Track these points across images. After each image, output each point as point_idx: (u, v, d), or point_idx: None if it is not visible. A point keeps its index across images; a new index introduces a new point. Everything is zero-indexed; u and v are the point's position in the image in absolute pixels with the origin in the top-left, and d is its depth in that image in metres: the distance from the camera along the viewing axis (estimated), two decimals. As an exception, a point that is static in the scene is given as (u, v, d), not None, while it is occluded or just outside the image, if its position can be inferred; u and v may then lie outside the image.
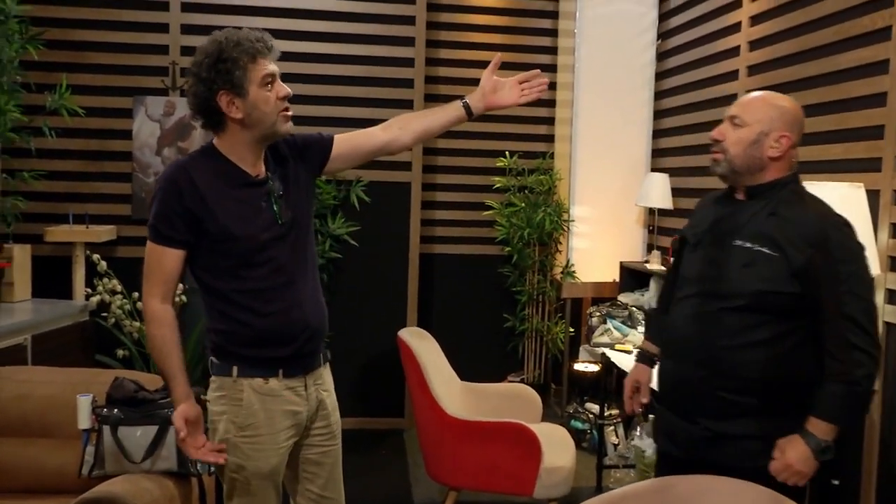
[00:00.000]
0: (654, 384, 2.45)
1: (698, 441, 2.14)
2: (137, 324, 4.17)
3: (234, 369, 2.17)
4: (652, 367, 2.52)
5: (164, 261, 2.10)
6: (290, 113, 2.16)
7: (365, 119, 5.03)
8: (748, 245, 2.08)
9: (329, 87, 5.01)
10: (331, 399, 2.37)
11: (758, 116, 2.12)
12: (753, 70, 3.99)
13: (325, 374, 2.35)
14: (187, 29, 4.87)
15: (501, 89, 2.37)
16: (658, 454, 2.41)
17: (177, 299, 4.22)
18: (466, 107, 2.36)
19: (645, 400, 2.49)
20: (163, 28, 4.86)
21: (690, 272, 2.22)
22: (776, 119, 2.12)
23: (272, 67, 2.12)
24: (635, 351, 4.16)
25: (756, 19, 3.98)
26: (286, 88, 2.14)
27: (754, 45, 3.99)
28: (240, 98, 2.08)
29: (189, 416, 2.09)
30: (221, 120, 2.12)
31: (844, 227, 2.07)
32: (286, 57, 5.04)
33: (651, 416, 2.53)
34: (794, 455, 2.00)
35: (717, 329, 2.09)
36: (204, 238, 2.10)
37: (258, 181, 2.18)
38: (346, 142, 2.38)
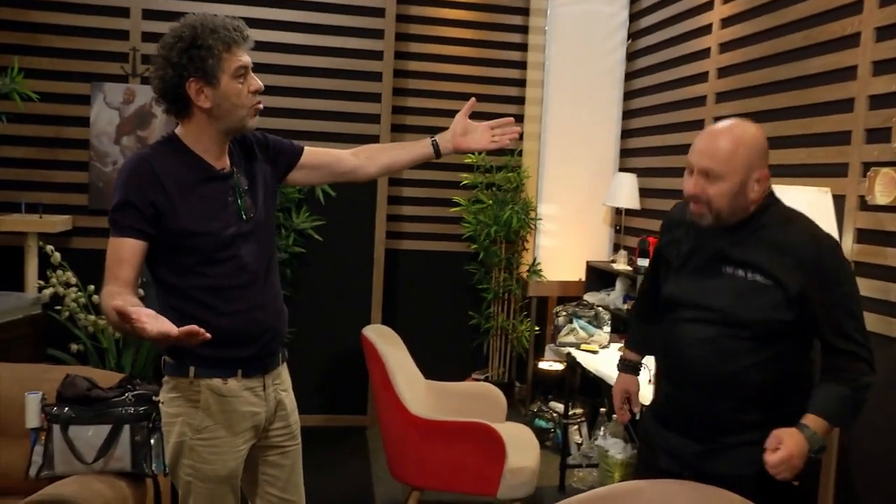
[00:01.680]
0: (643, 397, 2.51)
1: (699, 454, 2.15)
2: (93, 317, 4.08)
3: (191, 369, 2.11)
4: (636, 375, 2.52)
5: (121, 252, 2.01)
6: (260, 107, 2.10)
7: (333, 111, 4.98)
8: (740, 273, 2.06)
9: (298, 79, 4.94)
10: (289, 399, 2.32)
11: (733, 167, 2.00)
12: (723, 72, 4.01)
13: (284, 374, 2.30)
14: (149, 14, 4.76)
15: (473, 132, 2.37)
16: (645, 467, 2.35)
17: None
18: (435, 146, 2.36)
19: (637, 409, 2.49)
20: (123, 12, 4.75)
21: (682, 296, 2.18)
22: (753, 161, 2.02)
23: (246, 59, 2.07)
24: (601, 351, 4.18)
25: (727, 22, 4.00)
26: (258, 82, 2.08)
27: (724, 47, 4.01)
28: (210, 87, 2.01)
29: (142, 310, 1.78)
30: (188, 108, 2.05)
31: (836, 248, 2.07)
32: (256, 47, 4.97)
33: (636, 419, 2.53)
34: (794, 446, 1.94)
35: (718, 354, 2.08)
36: (165, 233, 2.03)
37: (223, 174, 2.11)
38: (313, 156, 2.33)
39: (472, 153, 2.39)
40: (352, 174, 2.37)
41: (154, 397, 2.50)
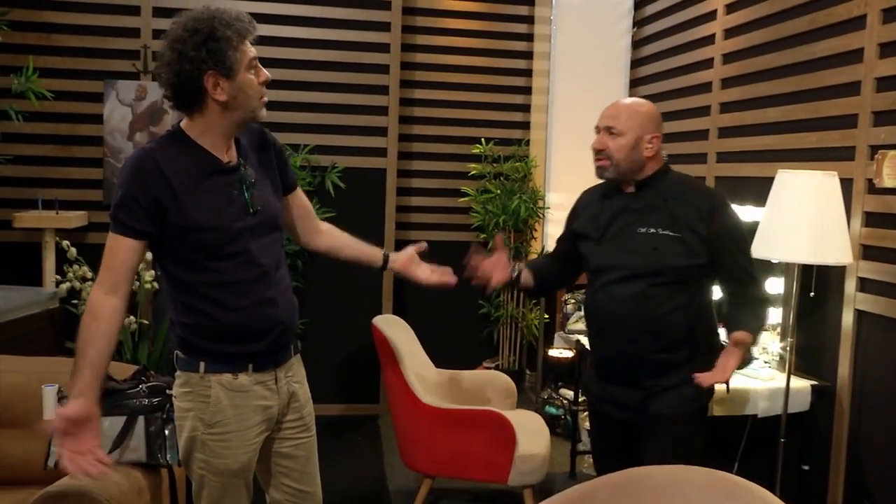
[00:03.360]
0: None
1: (643, 399, 2.46)
2: (108, 311, 4.08)
3: (201, 364, 2.07)
4: (512, 273, 2.67)
5: (118, 251, 1.97)
6: (266, 99, 2.09)
7: (340, 104, 4.96)
8: (653, 230, 2.42)
9: (305, 73, 4.92)
10: (303, 390, 2.28)
11: (631, 125, 2.44)
12: (729, 58, 3.96)
13: (297, 366, 2.28)
14: (159, 12, 4.74)
15: (418, 266, 2.48)
16: (598, 420, 2.68)
17: (148, 286, 4.19)
18: (385, 258, 2.45)
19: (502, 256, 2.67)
20: (134, 10, 4.74)
21: (604, 262, 2.50)
22: (646, 124, 2.46)
23: (255, 50, 2.06)
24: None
25: (731, 7, 3.95)
26: (267, 73, 2.07)
27: (730, 32, 3.96)
28: (227, 80, 1.98)
29: (75, 415, 1.85)
30: (201, 101, 2.00)
31: (726, 198, 2.53)
32: (262, 41, 4.95)
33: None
34: (735, 363, 2.35)
35: (646, 304, 2.41)
36: (171, 228, 1.99)
37: (229, 168, 2.07)
38: (301, 197, 2.39)
39: (413, 279, 2.47)
40: (310, 236, 2.43)
41: (168, 390, 2.49)
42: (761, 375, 3.19)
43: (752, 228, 3.04)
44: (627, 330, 2.44)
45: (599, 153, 2.50)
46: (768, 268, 3.22)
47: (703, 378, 2.33)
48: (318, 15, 4.92)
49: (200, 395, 2.08)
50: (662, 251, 2.40)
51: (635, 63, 5.06)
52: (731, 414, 3.10)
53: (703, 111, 4.14)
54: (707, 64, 4.15)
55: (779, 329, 3.29)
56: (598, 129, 2.53)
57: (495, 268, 2.63)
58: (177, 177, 1.99)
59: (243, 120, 2.07)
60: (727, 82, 3.97)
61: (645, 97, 4.91)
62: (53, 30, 4.68)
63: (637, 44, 5.05)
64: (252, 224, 2.07)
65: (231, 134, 2.08)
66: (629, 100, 2.59)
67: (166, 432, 2.55)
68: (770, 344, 3.30)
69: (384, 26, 4.98)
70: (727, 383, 2.52)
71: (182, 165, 2.01)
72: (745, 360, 2.45)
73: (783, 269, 3.26)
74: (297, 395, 2.24)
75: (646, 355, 2.43)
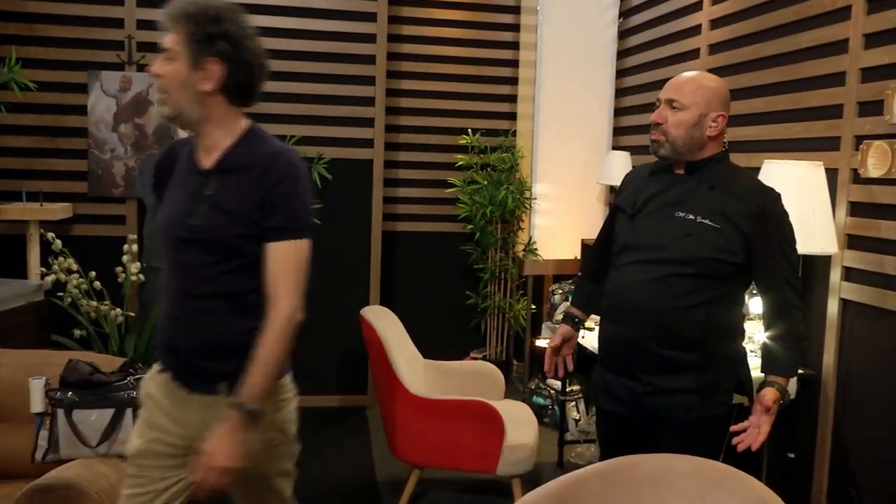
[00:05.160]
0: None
1: (640, 395, 2.27)
2: (95, 303, 4.04)
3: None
4: (576, 329, 2.60)
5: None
6: (159, 98, 1.93)
7: (327, 95, 4.93)
8: (690, 217, 2.21)
9: (291, 63, 4.89)
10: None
11: (695, 99, 2.22)
12: (714, 49, 3.96)
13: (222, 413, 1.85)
14: (144, 1, 4.69)
15: None
16: (599, 412, 2.50)
17: (133, 278, 4.15)
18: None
19: (570, 368, 2.59)
20: (118, 0, 4.69)
21: (631, 240, 2.31)
22: (712, 100, 2.23)
23: (164, 39, 1.89)
24: (597, 328, 4.16)
25: (717, -2, 3.96)
26: (154, 65, 1.89)
27: (715, 23, 3.96)
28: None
29: None
30: None
31: (779, 199, 2.25)
32: (244, 8, 4.91)
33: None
34: (771, 402, 2.16)
35: (664, 293, 2.20)
36: None
37: (200, 170, 1.91)
38: (266, 256, 1.89)
39: None
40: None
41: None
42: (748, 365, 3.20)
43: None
44: (638, 315, 2.24)
45: (656, 127, 2.26)
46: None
47: (741, 443, 2.17)
48: (304, 5, 4.89)
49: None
50: (696, 240, 2.18)
51: (622, 53, 5.06)
52: (740, 396, 3.11)
53: (689, 102, 4.14)
54: (693, 54, 4.16)
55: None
56: (658, 102, 2.29)
57: (568, 354, 2.59)
58: (176, 165, 2.00)
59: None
60: (713, 73, 3.97)
61: (631, 87, 4.94)
62: (36, 20, 4.62)
63: (623, 34, 5.05)
64: (185, 237, 1.88)
65: (196, 132, 1.94)
66: (695, 72, 2.33)
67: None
68: (756, 333, 3.32)
69: (370, 16, 4.95)
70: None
71: (182, 158, 1.98)
72: (783, 403, 2.21)
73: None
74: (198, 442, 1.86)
75: (651, 347, 2.23)
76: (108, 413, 2.53)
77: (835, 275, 3.06)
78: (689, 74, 2.30)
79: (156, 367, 2.01)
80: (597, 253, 2.57)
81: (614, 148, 5.05)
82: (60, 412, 2.52)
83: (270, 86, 5.08)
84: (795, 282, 2.24)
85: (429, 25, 5.22)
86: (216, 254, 1.86)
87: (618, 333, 2.32)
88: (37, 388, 2.59)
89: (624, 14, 5.05)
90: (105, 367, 2.67)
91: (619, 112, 5.10)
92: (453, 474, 3.83)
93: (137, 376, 2.56)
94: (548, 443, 4.24)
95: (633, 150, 4.78)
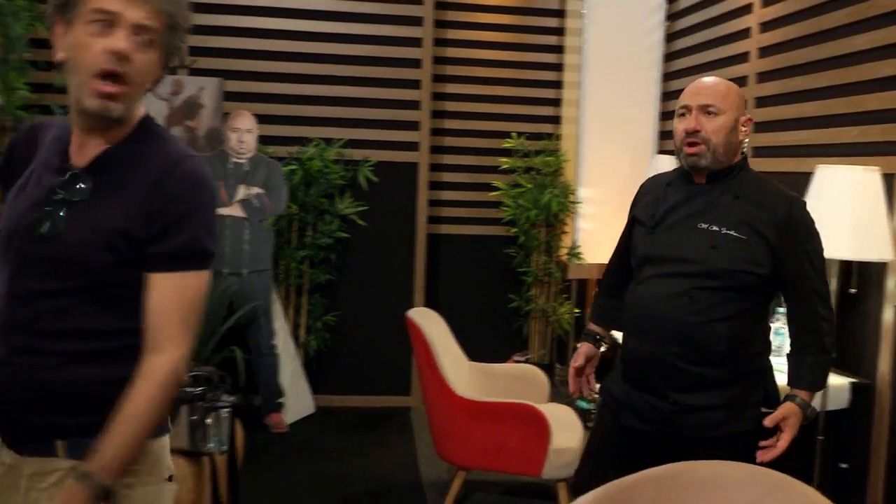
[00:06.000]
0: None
1: (667, 415, 2.19)
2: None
3: None
4: (598, 347, 2.55)
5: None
6: (109, 90, 1.35)
7: (373, 98, 4.96)
8: (714, 228, 2.13)
9: (338, 67, 4.93)
10: None
11: (731, 103, 2.15)
12: (765, 52, 3.90)
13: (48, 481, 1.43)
14: (196, 7, 4.76)
15: None
16: (620, 429, 2.34)
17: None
18: None
19: (591, 377, 2.56)
20: (170, 6, 4.76)
21: (653, 253, 2.23)
22: (741, 104, 2.20)
23: (118, 6, 1.34)
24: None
25: (768, 1, 3.89)
26: (119, 43, 1.34)
27: (766, 26, 3.90)
28: (66, 28, 1.37)
29: None
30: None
31: (805, 207, 2.18)
32: (295, 36, 4.96)
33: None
34: (796, 423, 2.13)
35: (689, 307, 2.13)
36: None
37: (63, 169, 1.44)
38: (154, 292, 1.42)
39: None
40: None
41: (209, 380, 2.52)
42: (798, 371, 3.14)
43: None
44: (662, 331, 2.16)
45: (693, 136, 2.14)
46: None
47: (763, 455, 2.14)
48: (351, 10, 4.92)
49: None
50: (721, 251, 2.11)
51: (668, 56, 5.01)
52: (766, 410, 3.06)
53: (739, 105, 4.09)
54: (742, 58, 4.10)
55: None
56: (687, 110, 2.18)
57: (591, 373, 2.56)
58: (40, 149, 1.51)
59: (73, 104, 1.40)
60: (763, 76, 3.92)
61: (676, 91, 4.87)
62: (92, 25, 4.71)
63: (670, 37, 5.00)
64: (33, 251, 1.40)
65: (78, 124, 1.43)
66: (716, 78, 2.24)
67: (209, 421, 2.58)
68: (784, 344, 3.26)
69: (416, 20, 4.97)
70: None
71: (50, 140, 1.51)
72: (810, 412, 2.16)
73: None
74: None
75: (677, 363, 2.15)
76: (162, 410, 2.57)
77: (891, 282, 2.99)
78: (714, 79, 2.22)
79: None
80: (614, 266, 2.50)
81: (660, 152, 5.00)
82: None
83: (318, 89, 5.17)
84: (824, 292, 2.16)
85: (474, 29, 5.22)
86: (72, 279, 1.39)
87: (642, 349, 2.23)
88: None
89: (671, 17, 5.00)
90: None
91: (665, 116, 5.04)
92: (498, 476, 3.82)
93: (193, 374, 2.60)
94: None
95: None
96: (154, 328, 1.41)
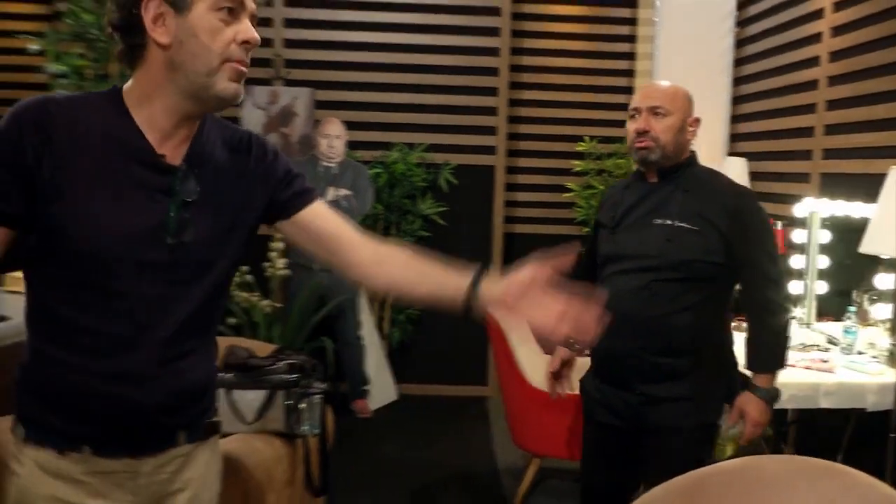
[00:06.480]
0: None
1: (635, 407, 2.19)
2: (246, 295, 4.22)
3: (20, 430, 1.31)
4: (573, 350, 2.48)
5: None
6: (244, 70, 1.27)
7: (453, 105, 4.98)
8: (669, 222, 2.13)
9: (422, 76, 4.97)
10: (199, 496, 1.41)
11: (678, 104, 2.18)
12: (836, 56, 3.76)
13: (195, 459, 1.40)
14: (290, 23, 4.87)
15: (532, 301, 1.31)
16: (588, 421, 2.39)
17: (281, 272, 4.31)
18: (470, 299, 1.37)
19: (569, 379, 2.50)
20: (267, 22, 4.88)
21: (614, 251, 2.23)
22: (689, 106, 2.20)
23: None
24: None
25: (839, 5, 3.75)
26: (254, 33, 1.28)
27: (838, 30, 3.76)
28: (175, 12, 1.21)
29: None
30: (140, 44, 1.24)
31: (754, 197, 2.20)
32: (381, 48, 5.01)
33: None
34: (756, 413, 2.13)
35: (651, 300, 2.13)
36: (41, 220, 1.22)
37: (164, 166, 1.27)
38: (322, 219, 1.43)
39: (520, 321, 1.31)
40: (350, 269, 1.44)
41: (304, 367, 2.56)
42: (869, 370, 3.02)
43: (862, 224, 2.89)
44: (627, 325, 2.09)
45: (642, 135, 2.16)
46: (879, 263, 3.06)
47: (742, 438, 2.19)
48: (432, 23, 4.96)
49: (13, 471, 1.32)
50: (676, 244, 2.11)
51: (738, 62, 4.87)
52: (840, 407, 2.96)
53: (810, 108, 3.95)
54: (813, 62, 3.96)
55: (888, 324, 3.11)
56: (637, 111, 2.19)
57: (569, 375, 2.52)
58: (78, 149, 1.22)
59: (195, 87, 1.24)
60: (834, 80, 3.77)
61: (748, 95, 4.75)
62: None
63: (740, 43, 4.86)
64: (161, 260, 1.27)
65: (179, 114, 1.27)
66: (666, 82, 2.27)
67: (302, 406, 2.63)
68: (879, 339, 3.13)
69: (494, 31, 4.97)
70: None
71: (95, 136, 1.24)
72: (772, 397, 2.17)
73: (894, 264, 3.08)
74: (170, 502, 1.37)
75: (644, 356, 2.15)
76: (262, 394, 2.62)
77: (965, 282, 2.85)
78: (663, 83, 2.25)
79: (43, 454, 1.29)
80: (583, 271, 2.42)
81: (731, 154, 4.86)
82: (222, 391, 2.64)
83: (402, 98, 5.23)
84: (776, 277, 2.17)
85: (548, 38, 5.19)
86: (202, 279, 1.33)
87: (609, 345, 2.10)
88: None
89: (741, 23, 4.86)
90: (259, 353, 2.78)
91: (735, 119, 4.91)
92: (571, 464, 3.77)
93: (289, 361, 2.65)
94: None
95: (750, 157, 4.59)
96: (350, 231, 1.43)
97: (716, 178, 2.23)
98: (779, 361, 2.19)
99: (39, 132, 1.19)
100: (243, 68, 1.26)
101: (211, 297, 1.35)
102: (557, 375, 2.50)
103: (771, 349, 2.18)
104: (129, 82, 1.28)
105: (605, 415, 2.28)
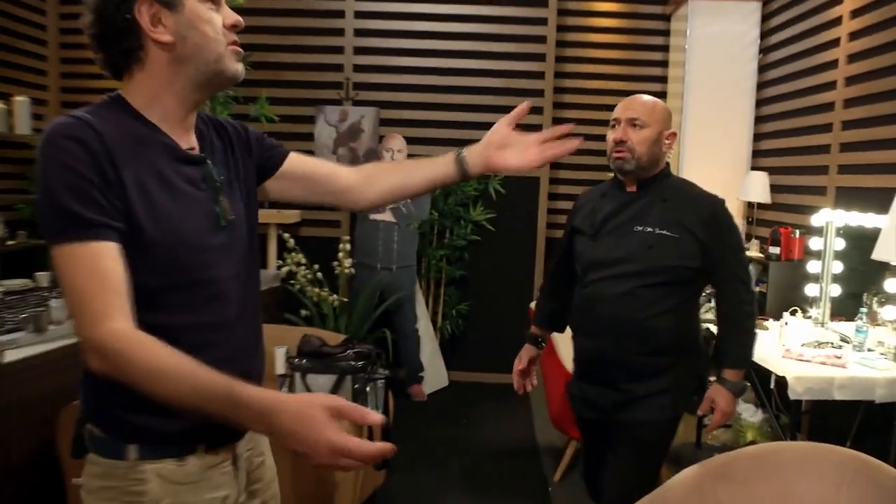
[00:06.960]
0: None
1: (617, 403, 2.13)
2: (317, 290, 4.31)
3: (130, 449, 1.18)
4: (539, 348, 2.43)
5: (100, 264, 1.07)
6: (241, 50, 1.23)
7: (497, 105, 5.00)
8: (650, 229, 2.06)
9: (474, 97, 5.01)
10: (267, 465, 1.39)
11: (655, 118, 2.09)
12: (851, 80, 3.68)
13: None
14: (358, 50, 4.97)
15: (514, 146, 1.40)
16: (584, 422, 2.32)
17: (347, 270, 4.39)
18: (461, 162, 1.40)
19: (534, 376, 2.43)
20: (338, 50, 4.99)
21: (596, 258, 2.14)
22: (667, 119, 2.12)
23: None
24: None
25: (855, 35, 3.67)
26: (235, 15, 1.22)
27: (852, 57, 3.68)
28: (169, 11, 1.15)
29: (320, 411, 1.06)
30: (137, 49, 1.16)
31: (725, 205, 2.12)
32: (438, 72, 5.06)
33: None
34: (724, 404, 2.10)
35: (634, 304, 2.06)
36: (131, 234, 1.13)
37: (194, 158, 1.23)
38: (300, 164, 1.42)
39: (509, 171, 1.40)
40: (343, 196, 1.43)
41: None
42: (878, 366, 2.96)
43: (874, 234, 2.84)
44: (613, 329, 2.08)
45: (620, 145, 2.09)
46: (888, 269, 3.00)
47: (710, 426, 2.15)
48: (483, 49, 5.00)
49: (128, 493, 1.18)
50: (657, 250, 2.05)
51: (761, 85, 4.80)
52: (851, 399, 2.91)
53: (826, 128, 3.88)
54: (830, 86, 3.89)
55: (895, 324, 3.05)
56: (616, 122, 2.12)
57: (533, 372, 2.44)
58: (125, 157, 1.12)
59: (206, 76, 1.20)
60: (849, 102, 3.70)
61: (770, 115, 4.68)
62: (280, 67, 4.99)
63: (763, 68, 4.79)
64: (220, 243, 1.23)
65: (190, 105, 1.22)
66: (646, 95, 2.17)
67: (367, 390, 2.70)
68: (887, 338, 3.07)
69: (540, 57, 4.98)
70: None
71: (128, 142, 1.14)
72: (739, 390, 2.13)
73: (904, 271, 3.02)
74: (258, 474, 1.36)
75: (629, 357, 2.09)
76: (332, 378, 2.71)
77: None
78: (643, 96, 2.15)
79: (166, 466, 1.20)
80: (555, 273, 2.40)
81: (753, 168, 4.80)
82: (298, 375, 2.73)
83: (456, 115, 5.25)
84: (746, 279, 2.11)
85: (587, 63, 5.18)
86: (254, 257, 1.34)
87: (594, 347, 2.16)
88: (280, 355, 2.81)
89: (763, 51, 4.79)
90: (330, 342, 2.86)
91: (758, 137, 4.84)
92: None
93: (356, 350, 2.72)
94: (688, 425, 4.08)
95: (771, 171, 4.52)
96: (331, 165, 1.45)
97: (690, 188, 2.17)
98: (747, 358, 2.15)
99: (100, 145, 1.09)
100: (240, 49, 1.23)
101: (257, 266, 1.35)
102: (525, 373, 2.42)
103: (741, 347, 2.12)
104: (129, 87, 1.19)
105: (586, 410, 2.24)
